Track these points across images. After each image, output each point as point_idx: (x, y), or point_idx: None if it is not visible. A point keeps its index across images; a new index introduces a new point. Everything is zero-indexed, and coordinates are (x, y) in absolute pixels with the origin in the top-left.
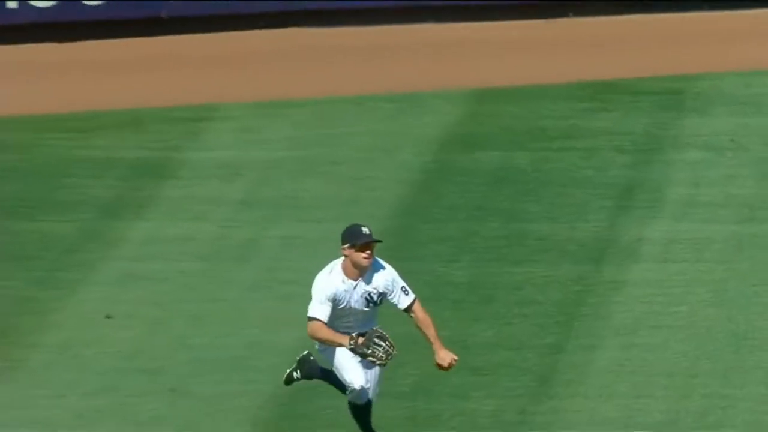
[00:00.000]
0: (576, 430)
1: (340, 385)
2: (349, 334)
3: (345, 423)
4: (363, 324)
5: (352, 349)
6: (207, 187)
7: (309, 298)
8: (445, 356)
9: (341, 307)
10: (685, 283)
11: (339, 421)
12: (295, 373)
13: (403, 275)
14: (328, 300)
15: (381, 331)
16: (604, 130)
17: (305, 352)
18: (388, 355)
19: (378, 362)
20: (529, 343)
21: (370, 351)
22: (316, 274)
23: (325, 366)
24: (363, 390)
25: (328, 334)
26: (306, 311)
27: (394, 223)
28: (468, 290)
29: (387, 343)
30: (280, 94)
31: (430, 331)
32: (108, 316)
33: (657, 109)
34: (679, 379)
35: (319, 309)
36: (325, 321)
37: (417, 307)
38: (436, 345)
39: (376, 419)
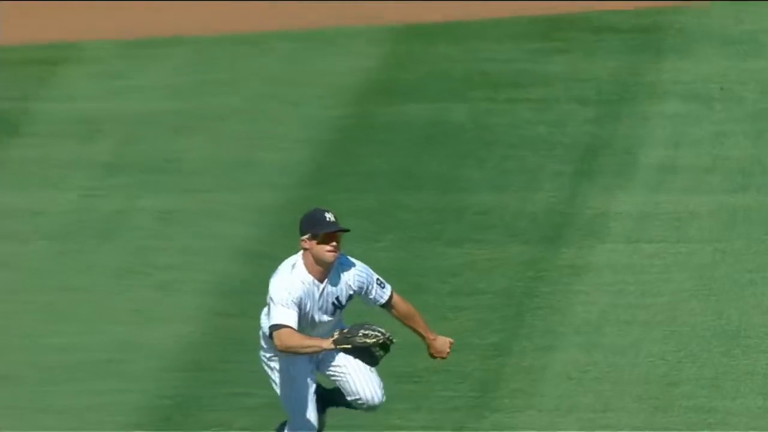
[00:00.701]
0: None
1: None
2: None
3: None
4: (325, 333)
5: (341, 346)
6: (63, 148)
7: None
8: (443, 346)
9: (308, 317)
10: (663, 268)
11: None
12: None
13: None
14: (294, 303)
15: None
16: (560, 77)
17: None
18: (386, 336)
19: (378, 343)
20: (468, 342)
21: (361, 336)
22: (200, 256)
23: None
24: None
25: (302, 339)
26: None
27: (297, 194)
28: (392, 276)
29: (377, 330)
30: (154, 30)
31: (419, 323)
32: None
33: (627, 50)
34: (656, 388)
35: (286, 314)
36: (295, 328)
37: (397, 299)
38: (430, 336)
39: None
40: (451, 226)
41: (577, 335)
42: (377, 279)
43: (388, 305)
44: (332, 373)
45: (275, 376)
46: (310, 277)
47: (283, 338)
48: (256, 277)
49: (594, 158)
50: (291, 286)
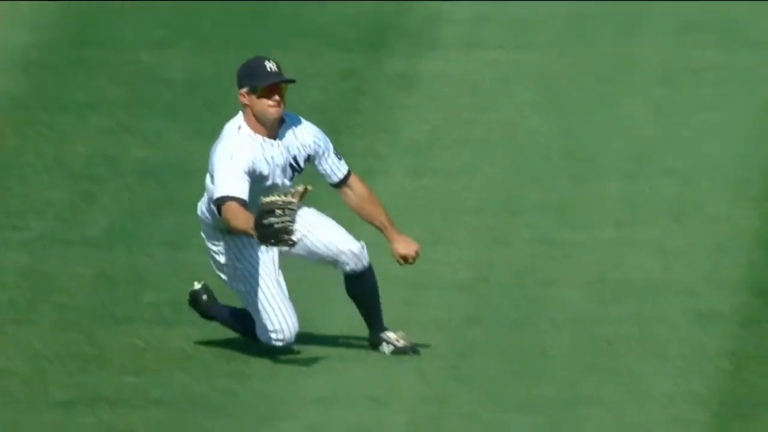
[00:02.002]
0: None
1: (249, 330)
2: None
3: None
4: None
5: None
6: None
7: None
8: (407, 245)
9: (267, 183)
10: (502, 79)
11: None
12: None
13: None
14: (243, 170)
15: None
16: None
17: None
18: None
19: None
20: None
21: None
22: None
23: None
24: (291, 339)
25: (244, 221)
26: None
27: None
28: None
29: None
30: None
31: (381, 214)
32: None
33: None
34: (493, 217)
35: (233, 183)
36: (246, 199)
37: (355, 179)
38: (392, 231)
39: None
40: (256, 31)
41: (404, 157)
42: (335, 149)
43: (343, 185)
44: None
45: (225, 269)
46: (259, 137)
47: (228, 214)
48: None
49: None
50: (237, 150)
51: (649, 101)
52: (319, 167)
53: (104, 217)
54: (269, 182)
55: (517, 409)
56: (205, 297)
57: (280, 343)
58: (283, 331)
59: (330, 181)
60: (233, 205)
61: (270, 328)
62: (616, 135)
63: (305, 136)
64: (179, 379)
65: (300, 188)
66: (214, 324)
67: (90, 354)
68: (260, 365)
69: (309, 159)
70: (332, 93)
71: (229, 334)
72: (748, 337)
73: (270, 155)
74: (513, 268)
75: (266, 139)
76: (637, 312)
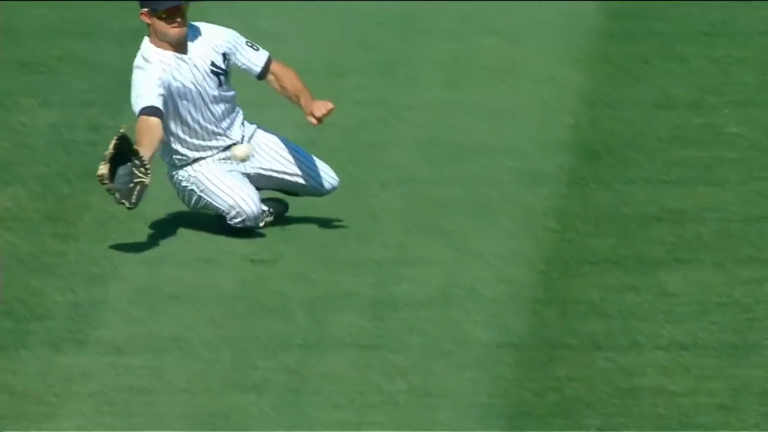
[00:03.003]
0: None
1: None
2: (209, 147)
3: None
4: (228, 116)
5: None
6: None
7: None
8: (320, 105)
9: (197, 100)
10: None
11: None
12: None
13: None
14: (157, 85)
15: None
16: None
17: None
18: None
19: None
20: (104, 26)
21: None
22: None
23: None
24: (252, 213)
25: (145, 145)
26: None
27: None
28: None
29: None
30: None
31: (297, 84)
32: None
33: None
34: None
35: (148, 96)
36: (158, 107)
37: (277, 65)
38: (307, 97)
39: None
40: None
41: (232, 19)
42: (247, 41)
43: (267, 73)
44: None
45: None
46: (169, 53)
47: (138, 128)
48: None
49: None
50: (148, 71)
51: None
52: (238, 63)
53: None
54: (197, 96)
55: (345, 269)
56: None
57: (240, 221)
58: (239, 206)
59: (254, 74)
60: (144, 119)
61: (225, 208)
62: None
63: (214, 38)
64: (6, 238)
65: (114, 139)
66: (43, 185)
67: None
68: (88, 227)
69: (226, 57)
70: None
71: (57, 194)
72: (574, 197)
73: (187, 70)
74: (341, 130)
75: (176, 55)
76: (465, 173)
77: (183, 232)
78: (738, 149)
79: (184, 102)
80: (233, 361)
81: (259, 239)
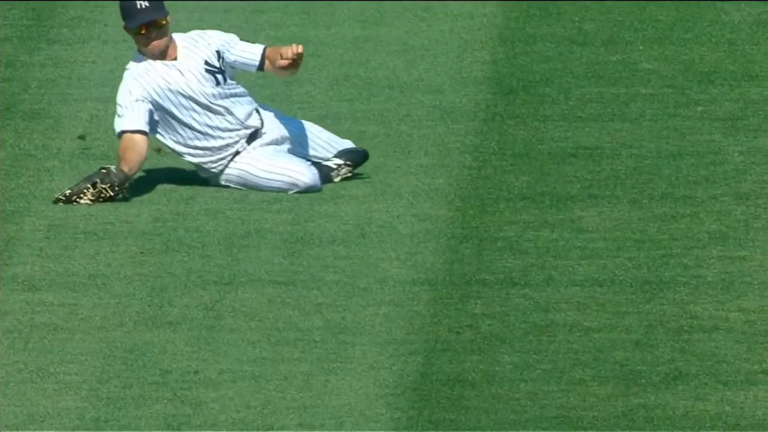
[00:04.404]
0: None
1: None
2: (233, 141)
3: None
4: (242, 110)
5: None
6: None
7: None
8: (288, 48)
9: (195, 104)
10: None
11: None
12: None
13: None
14: (141, 100)
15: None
16: None
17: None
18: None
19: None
20: None
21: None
22: None
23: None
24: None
25: (127, 162)
26: None
27: None
28: None
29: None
30: None
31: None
32: None
33: None
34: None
35: (131, 117)
36: (146, 130)
37: (270, 50)
38: (276, 48)
39: None
40: None
41: None
42: (241, 39)
43: (264, 62)
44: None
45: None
46: (157, 62)
47: (122, 145)
48: None
49: None
50: (134, 82)
51: None
52: (233, 59)
53: None
54: (194, 100)
55: (261, 206)
56: None
57: (305, 190)
58: (295, 181)
59: (253, 67)
60: (128, 136)
61: (284, 188)
62: None
63: (205, 38)
64: None
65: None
66: None
67: None
68: (1, 164)
69: (220, 55)
70: None
71: None
72: (491, 133)
73: (179, 76)
74: None
75: (165, 63)
76: (381, 110)
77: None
78: (653, 86)
79: (183, 110)
80: (149, 298)
81: (176, 176)
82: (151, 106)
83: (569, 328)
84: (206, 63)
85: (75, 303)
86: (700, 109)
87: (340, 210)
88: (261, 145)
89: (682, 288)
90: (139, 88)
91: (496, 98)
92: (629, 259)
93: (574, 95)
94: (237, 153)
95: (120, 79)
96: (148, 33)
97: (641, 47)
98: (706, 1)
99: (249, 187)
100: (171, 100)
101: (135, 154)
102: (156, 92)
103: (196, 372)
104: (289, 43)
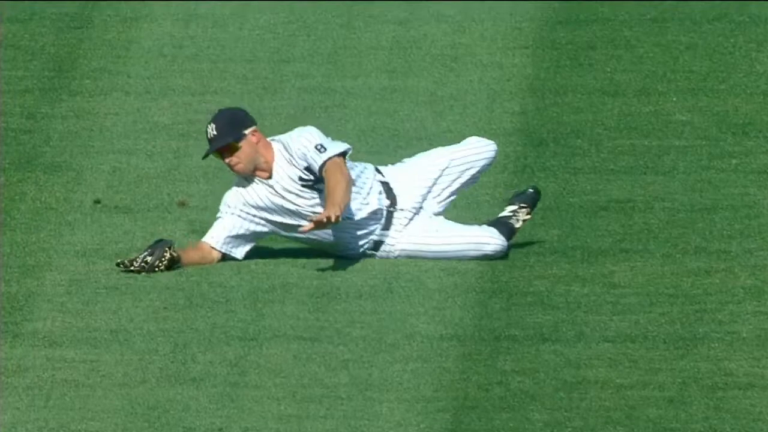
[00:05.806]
0: None
1: None
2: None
3: None
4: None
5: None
6: None
7: None
8: (322, 215)
9: (286, 208)
10: None
11: None
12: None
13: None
14: (230, 213)
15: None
16: None
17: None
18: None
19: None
20: (44, 14)
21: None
22: None
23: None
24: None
25: (188, 258)
26: None
27: None
28: None
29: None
30: None
31: (331, 183)
32: None
33: None
34: (265, 67)
35: (215, 227)
36: (213, 244)
37: (330, 165)
38: (329, 200)
39: None
40: None
41: (168, 2)
42: (317, 145)
43: (322, 171)
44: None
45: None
46: (253, 178)
47: (194, 246)
48: None
49: None
50: (230, 197)
51: None
52: (310, 165)
53: None
54: (286, 211)
55: (286, 260)
56: None
57: (492, 255)
58: (488, 251)
59: (317, 173)
60: (200, 243)
61: (477, 257)
62: None
63: (292, 152)
64: None
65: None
66: None
67: None
68: (23, 217)
69: (310, 168)
70: None
71: None
72: (520, 186)
73: (272, 192)
74: (283, 117)
75: (259, 180)
76: None
77: (120, 223)
78: (686, 138)
79: (275, 215)
80: (172, 354)
81: (199, 229)
82: (240, 218)
83: (601, 384)
84: (300, 178)
85: (96, 359)
86: (734, 161)
87: (366, 264)
88: (413, 223)
89: (716, 344)
90: (234, 200)
91: (526, 150)
92: (662, 314)
93: (606, 147)
94: (388, 232)
95: (143, 131)
96: (223, 158)
97: (674, 98)
98: (740, 51)
99: (428, 256)
100: (261, 213)
101: (197, 258)
102: (250, 204)
103: (220, 429)
104: (315, 93)
